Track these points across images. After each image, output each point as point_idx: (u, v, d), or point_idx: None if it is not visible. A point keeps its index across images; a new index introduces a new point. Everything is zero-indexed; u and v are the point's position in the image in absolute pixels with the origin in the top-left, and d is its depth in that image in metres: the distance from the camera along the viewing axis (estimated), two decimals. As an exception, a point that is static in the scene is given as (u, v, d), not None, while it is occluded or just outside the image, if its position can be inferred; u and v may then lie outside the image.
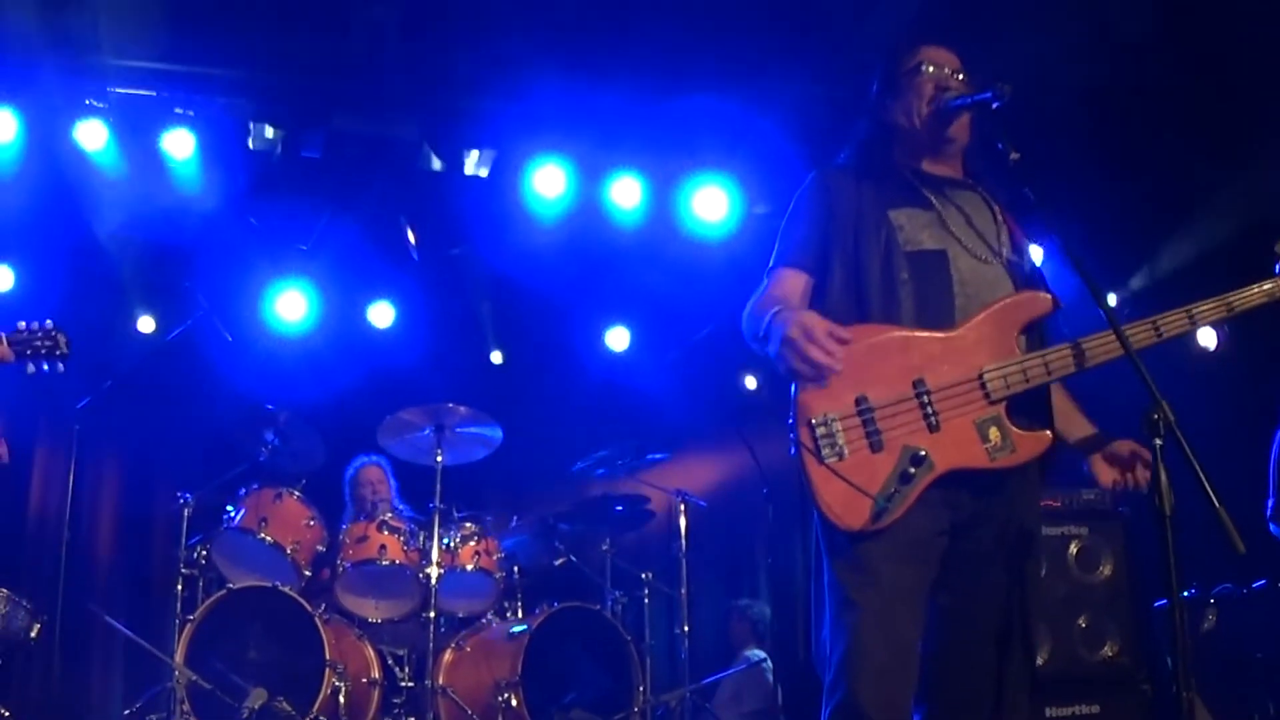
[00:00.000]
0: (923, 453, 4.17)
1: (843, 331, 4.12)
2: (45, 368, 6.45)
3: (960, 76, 4.69)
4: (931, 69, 4.69)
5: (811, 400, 4.26)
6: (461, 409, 9.03)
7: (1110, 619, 8.25)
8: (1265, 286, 4.51)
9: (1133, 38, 8.78)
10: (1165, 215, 10.51)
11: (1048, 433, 4.33)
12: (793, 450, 4.30)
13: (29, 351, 6.36)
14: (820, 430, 4.21)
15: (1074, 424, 4.66)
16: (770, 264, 4.69)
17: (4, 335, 6.37)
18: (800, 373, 4.14)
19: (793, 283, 4.57)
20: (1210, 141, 9.65)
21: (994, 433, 4.23)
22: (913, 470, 4.16)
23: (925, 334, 4.32)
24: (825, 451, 4.18)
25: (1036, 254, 4.90)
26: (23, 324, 6.47)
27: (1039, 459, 4.36)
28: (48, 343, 6.41)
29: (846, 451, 4.18)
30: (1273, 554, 7.87)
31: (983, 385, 4.26)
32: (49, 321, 6.49)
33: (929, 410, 4.22)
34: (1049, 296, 4.44)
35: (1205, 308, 4.46)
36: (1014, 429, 4.25)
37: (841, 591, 4.28)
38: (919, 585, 4.30)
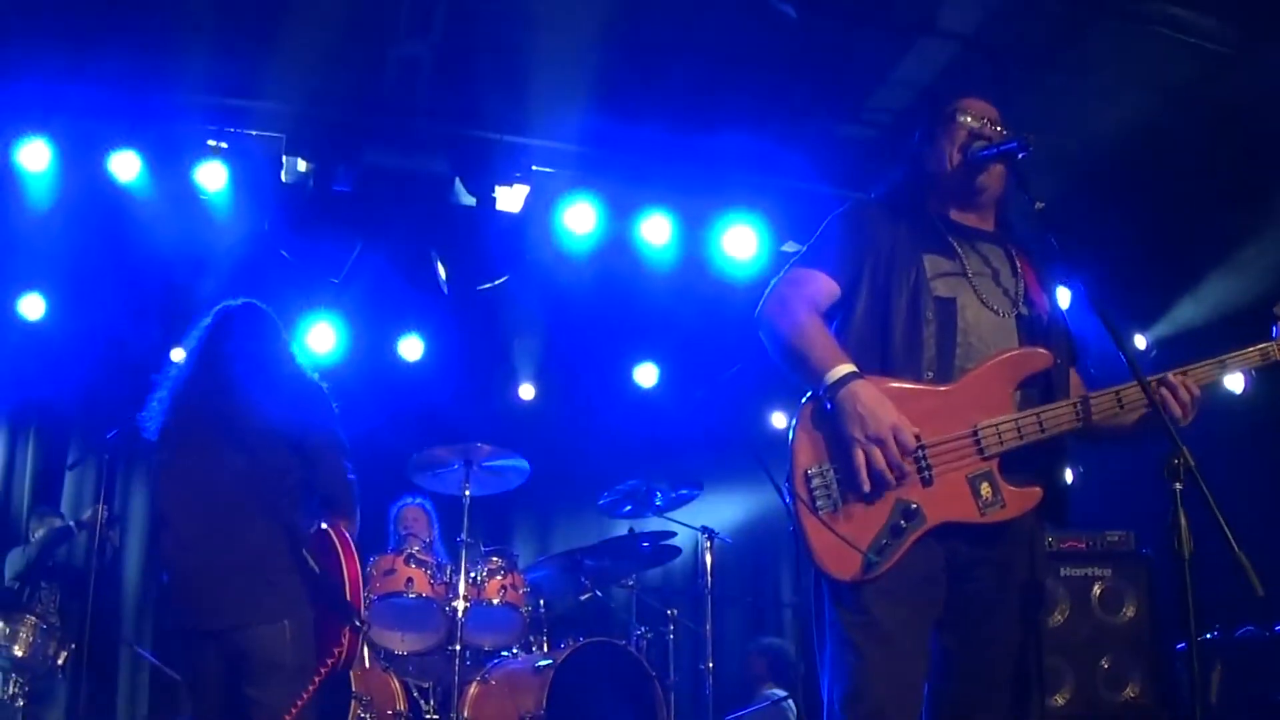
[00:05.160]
0: (914, 506, 4.20)
1: (908, 439, 4.19)
2: None
3: (998, 128, 4.71)
4: (969, 119, 4.71)
5: (808, 450, 4.31)
6: (488, 447, 9.06)
7: (1133, 660, 8.25)
8: (1261, 347, 4.58)
9: (1166, 85, 8.83)
10: (1198, 261, 10.49)
11: (1038, 489, 4.34)
12: (787, 499, 4.33)
13: None
14: (815, 481, 4.26)
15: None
16: (801, 260, 4.69)
17: None
18: (869, 476, 4.19)
19: (825, 288, 4.57)
20: (1242, 189, 9.66)
21: (985, 488, 4.26)
22: (904, 523, 4.18)
23: (923, 387, 4.36)
24: (820, 502, 4.23)
25: (1064, 299, 4.91)
26: None
27: (1035, 512, 4.39)
28: None
29: (840, 503, 4.22)
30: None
31: (976, 440, 4.28)
32: None
33: (923, 464, 4.24)
34: (1047, 353, 4.46)
35: (1201, 369, 4.52)
36: (1005, 485, 4.28)
37: (840, 632, 4.28)
38: (919, 625, 4.32)
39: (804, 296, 4.55)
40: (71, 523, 9.91)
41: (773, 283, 4.69)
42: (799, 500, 4.26)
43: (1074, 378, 4.78)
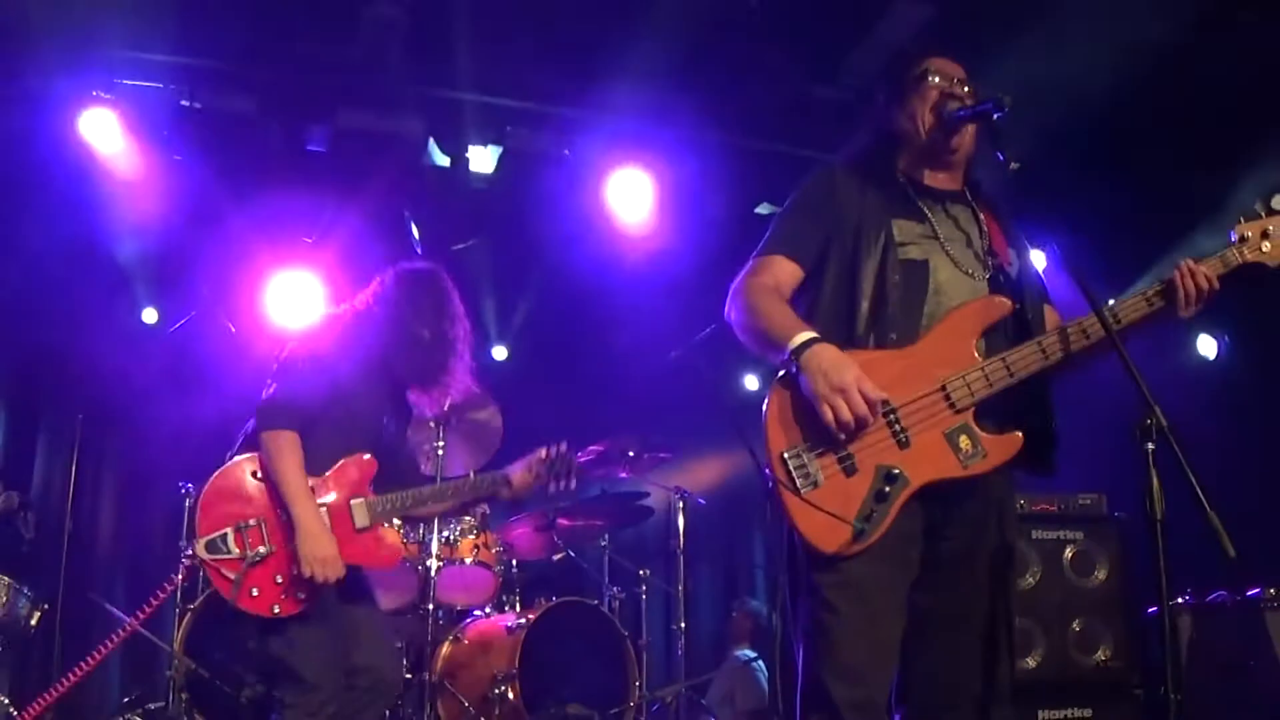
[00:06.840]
0: (896, 470, 4.21)
1: (870, 391, 4.18)
2: (563, 487, 6.54)
3: (966, 88, 4.68)
4: (937, 79, 4.68)
5: (780, 434, 4.32)
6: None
7: (1104, 623, 8.26)
8: (1222, 254, 4.54)
9: (1143, 48, 8.83)
10: (1170, 220, 10.52)
11: (1018, 434, 4.33)
12: (769, 484, 4.31)
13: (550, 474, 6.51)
14: (793, 462, 4.25)
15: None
16: (760, 248, 4.69)
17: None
18: (839, 427, 4.18)
19: (786, 271, 4.59)
20: (1213, 150, 9.68)
21: (964, 441, 4.27)
22: (888, 489, 4.19)
23: (887, 353, 4.36)
24: (800, 482, 4.22)
25: (1039, 260, 4.90)
26: (544, 452, 6.55)
27: (1010, 470, 4.42)
28: (564, 467, 6.50)
29: (821, 479, 4.23)
30: (1271, 561, 7.90)
31: (946, 396, 4.29)
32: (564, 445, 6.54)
33: (897, 428, 4.25)
34: (1005, 300, 4.46)
35: (1156, 287, 4.47)
36: (983, 434, 4.29)
37: (819, 594, 4.29)
38: (897, 585, 4.33)
39: (763, 284, 4.57)
40: None
41: (737, 278, 4.69)
42: (780, 484, 4.25)
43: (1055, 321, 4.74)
